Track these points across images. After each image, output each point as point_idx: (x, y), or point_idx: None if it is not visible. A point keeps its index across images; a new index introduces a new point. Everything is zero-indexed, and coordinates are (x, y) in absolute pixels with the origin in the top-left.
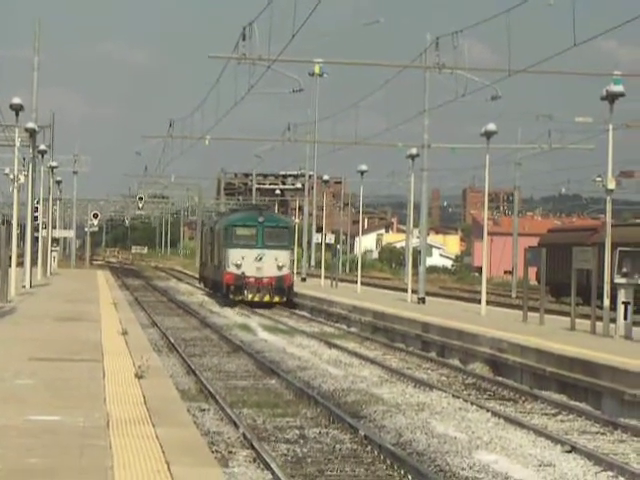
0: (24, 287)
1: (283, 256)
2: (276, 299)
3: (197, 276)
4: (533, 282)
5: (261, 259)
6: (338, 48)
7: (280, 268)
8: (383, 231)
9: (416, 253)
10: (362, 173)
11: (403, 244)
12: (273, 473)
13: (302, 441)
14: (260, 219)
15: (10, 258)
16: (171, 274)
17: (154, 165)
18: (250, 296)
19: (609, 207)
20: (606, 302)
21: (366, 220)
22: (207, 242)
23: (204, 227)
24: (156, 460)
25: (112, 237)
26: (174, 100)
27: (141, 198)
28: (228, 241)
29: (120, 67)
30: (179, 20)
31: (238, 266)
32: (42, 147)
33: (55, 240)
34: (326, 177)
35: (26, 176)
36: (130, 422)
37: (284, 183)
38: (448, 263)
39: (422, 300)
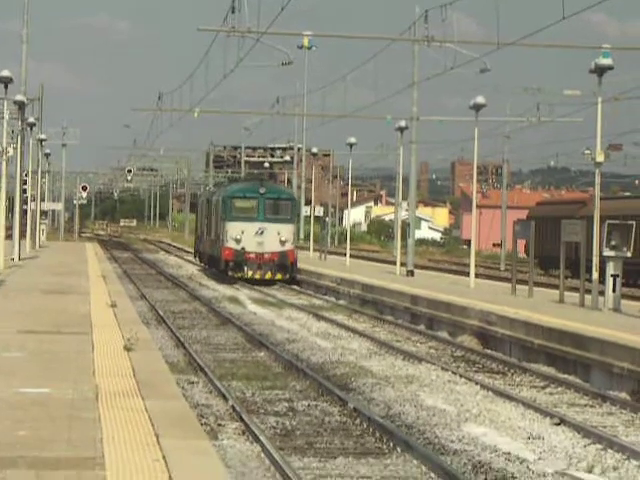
0: (12, 260)
1: (286, 230)
2: (278, 276)
3: (186, 249)
4: (522, 255)
5: (262, 233)
6: (327, 21)
7: (283, 243)
8: (372, 204)
9: (405, 226)
10: (351, 146)
11: (392, 217)
12: (262, 445)
13: (291, 414)
14: (261, 190)
15: None
16: (160, 247)
17: (143, 138)
18: (250, 273)
19: (598, 180)
20: (595, 275)
21: (355, 193)
22: (203, 215)
23: (200, 198)
24: (145, 433)
25: (101, 210)
26: (163, 73)
27: (130, 171)
28: (227, 214)
29: (106, 40)
30: None
31: (237, 241)
32: (31, 120)
33: (44, 213)
34: (315, 150)
35: (15, 149)
36: (119, 395)
37: (273, 156)
38: (437, 236)
39: (411, 273)
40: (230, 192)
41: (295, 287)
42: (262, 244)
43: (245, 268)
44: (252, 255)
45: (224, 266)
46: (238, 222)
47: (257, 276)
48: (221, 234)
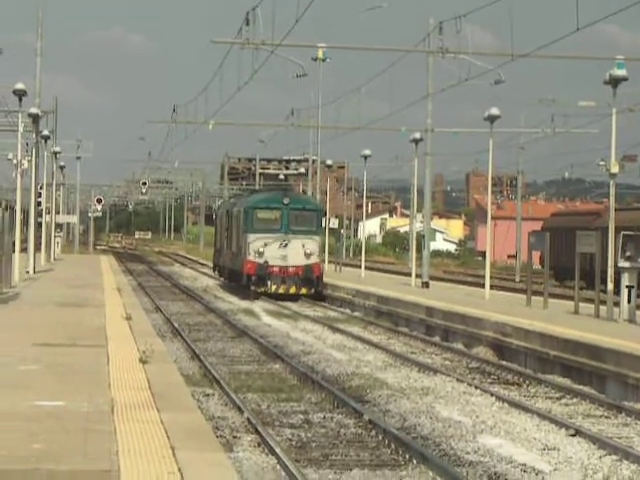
0: (28, 273)
1: (311, 243)
2: (303, 291)
3: (201, 261)
4: (537, 266)
5: (286, 246)
6: (341, 33)
7: (308, 256)
8: (387, 215)
9: (420, 237)
10: (365, 158)
11: (407, 228)
12: (278, 458)
13: (306, 426)
14: (285, 201)
15: (14, 244)
16: (175, 259)
17: (158, 150)
18: (274, 287)
19: (612, 191)
20: (610, 286)
21: (370, 204)
22: (223, 227)
23: (218, 210)
24: (161, 445)
25: (115, 222)
26: (178, 86)
27: (145, 183)
28: (248, 226)
29: (120, 53)
30: (182, 6)
31: (260, 254)
32: (45, 132)
33: (58, 225)
34: (329, 162)
35: (29, 161)
36: (135, 407)
37: (287, 168)
38: (452, 247)
39: (426, 284)
40: (252, 203)
41: (309, 299)
42: (286, 257)
43: (268, 282)
44: (275, 269)
45: (246, 280)
46: (261, 234)
47: (281, 290)
48: (243, 247)
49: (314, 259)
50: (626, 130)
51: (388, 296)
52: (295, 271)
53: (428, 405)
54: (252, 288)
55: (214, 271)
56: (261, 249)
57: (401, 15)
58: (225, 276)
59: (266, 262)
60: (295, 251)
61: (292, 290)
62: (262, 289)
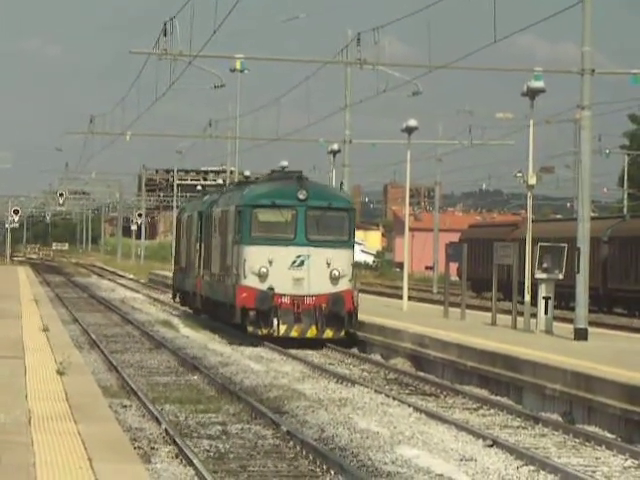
0: None
1: (340, 258)
2: (328, 333)
3: (119, 272)
4: (454, 277)
5: (303, 264)
6: (260, 44)
7: (335, 279)
8: None
9: None
10: (283, 169)
11: None
12: (196, 469)
13: (224, 437)
14: (301, 195)
15: None
16: (92, 270)
17: (75, 161)
18: (283, 329)
19: (530, 202)
20: (527, 297)
21: None
22: (192, 236)
23: (184, 212)
24: (78, 457)
25: (33, 233)
26: (97, 97)
27: (62, 194)
28: (244, 234)
29: (36, 63)
30: (97, 16)
31: (262, 276)
32: None
33: None
34: (247, 173)
35: None
36: (52, 418)
37: (205, 179)
38: (369, 259)
39: None
40: (250, 198)
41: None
42: (302, 282)
43: (275, 321)
44: (286, 300)
45: (240, 318)
46: (264, 246)
47: (294, 333)
48: (234, 266)
49: (344, 284)
50: (543, 142)
51: None
52: (316, 302)
53: (346, 416)
54: (249, 329)
55: (174, 298)
56: (264, 269)
57: (320, 27)
58: (196, 307)
59: (271, 289)
60: (316, 272)
61: (311, 333)
62: (265, 331)
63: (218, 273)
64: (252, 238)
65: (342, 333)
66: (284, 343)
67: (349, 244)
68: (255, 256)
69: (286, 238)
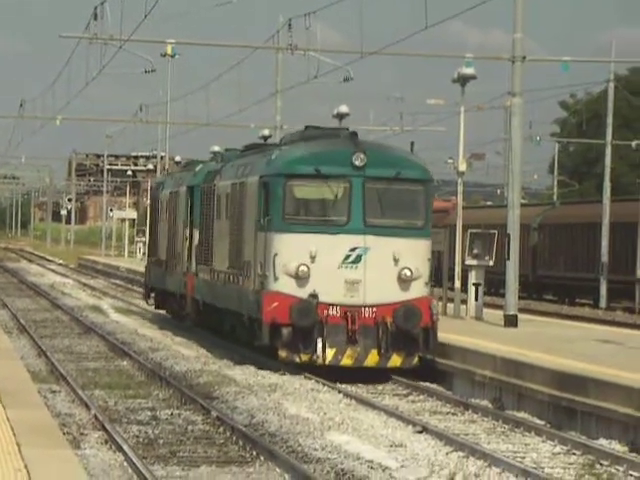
0: None
1: (414, 253)
2: (395, 360)
3: (48, 257)
4: None
5: (359, 260)
6: (192, 29)
7: (406, 282)
8: None
9: None
10: (214, 154)
11: None
12: (125, 455)
13: (154, 422)
14: (357, 161)
15: None
16: (22, 255)
17: (4, 145)
18: (331, 353)
19: (460, 189)
20: (457, 283)
21: None
22: (176, 219)
23: (160, 190)
24: (7, 442)
25: None
26: (27, 81)
27: None
28: (274, 216)
29: None
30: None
31: (301, 278)
32: None
33: None
34: (178, 158)
35: None
36: None
37: (136, 164)
38: None
39: None
40: (284, 164)
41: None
42: (358, 286)
43: (319, 342)
44: (335, 312)
45: (268, 337)
46: (303, 235)
47: (347, 361)
48: (257, 262)
49: (418, 288)
50: (474, 128)
51: None
52: (377, 315)
53: (276, 402)
54: (281, 355)
55: (146, 299)
56: (304, 268)
57: (252, 12)
58: (183, 314)
59: (314, 296)
60: (379, 272)
61: (371, 359)
62: (305, 357)
63: (227, 271)
64: (286, 223)
65: (415, 360)
66: (331, 374)
67: (425, 232)
68: (290, 249)
69: (336, 223)
